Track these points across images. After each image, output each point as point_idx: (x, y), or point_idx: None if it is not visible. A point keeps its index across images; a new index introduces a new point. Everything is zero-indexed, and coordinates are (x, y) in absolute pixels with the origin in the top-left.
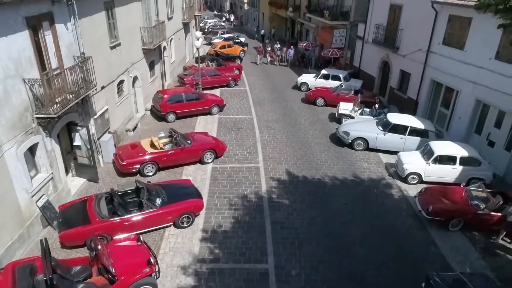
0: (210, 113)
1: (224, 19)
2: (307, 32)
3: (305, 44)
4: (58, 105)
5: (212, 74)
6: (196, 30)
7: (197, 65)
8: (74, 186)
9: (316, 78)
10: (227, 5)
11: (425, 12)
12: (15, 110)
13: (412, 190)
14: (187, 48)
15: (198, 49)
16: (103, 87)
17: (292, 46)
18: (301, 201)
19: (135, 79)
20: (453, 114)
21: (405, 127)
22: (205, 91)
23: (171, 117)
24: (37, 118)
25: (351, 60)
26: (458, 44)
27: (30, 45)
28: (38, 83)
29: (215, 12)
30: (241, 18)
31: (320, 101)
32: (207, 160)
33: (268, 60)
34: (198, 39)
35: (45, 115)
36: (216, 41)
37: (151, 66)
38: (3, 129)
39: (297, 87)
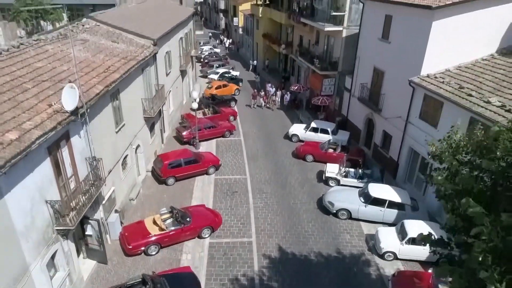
0: (207, 173)
1: (218, 41)
2: (299, 69)
3: (296, 87)
4: (74, 212)
5: (208, 126)
6: (193, 69)
7: (193, 113)
8: (86, 270)
9: (306, 131)
10: (222, 24)
11: (404, 84)
12: (40, 230)
13: (388, 268)
14: (184, 90)
15: (195, 110)
16: (110, 171)
17: (288, 92)
18: (289, 284)
19: (137, 147)
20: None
21: (384, 201)
22: (202, 150)
23: (171, 181)
24: (57, 230)
25: (339, 106)
26: (432, 121)
27: (51, 168)
28: (58, 203)
29: (210, 32)
30: (237, 43)
31: (309, 157)
32: (205, 235)
33: (262, 104)
34: (195, 100)
35: (65, 227)
36: (212, 76)
37: (152, 127)
38: (30, 251)
39: (289, 137)
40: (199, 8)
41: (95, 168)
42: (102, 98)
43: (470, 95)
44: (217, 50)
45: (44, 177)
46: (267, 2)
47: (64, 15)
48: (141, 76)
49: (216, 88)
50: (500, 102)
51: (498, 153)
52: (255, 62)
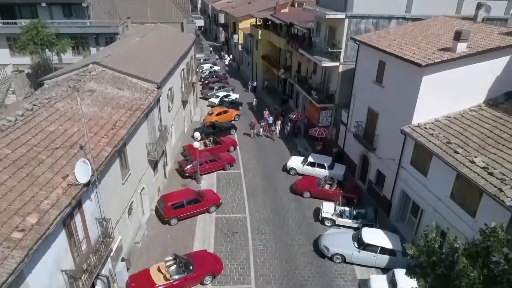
0: (208, 212)
1: (218, 57)
2: (297, 93)
3: (295, 115)
4: (86, 275)
5: (209, 160)
6: (194, 93)
7: (194, 144)
8: None
9: (304, 165)
10: (222, 36)
11: (397, 129)
12: None
13: None
14: (185, 117)
15: (197, 149)
16: (117, 222)
17: (289, 122)
18: None
19: (142, 190)
20: (419, 224)
21: (376, 247)
22: (203, 183)
23: (174, 221)
24: None
25: (336, 136)
26: (423, 170)
27: (65, 239)
28: (73, 273)
29: (211, 47)
30: (238, 62)
31: (307, 194)
32: (206, 282)
33: (261, 133)
34: (196, 139)
35: None
36: (212, 100)
37: (155, 166)
38: None
39: (287, 170)
40: (200, 33)
41: (105, 228)
42: (111, 157)
43: (456, 152)
44: (217, 68)
45: (60, 249)
46: (267, 23)
47: (69, 51)
48: (145, 122)
49: (217, 115)
50: (484, 162)
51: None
52: (254, 83)
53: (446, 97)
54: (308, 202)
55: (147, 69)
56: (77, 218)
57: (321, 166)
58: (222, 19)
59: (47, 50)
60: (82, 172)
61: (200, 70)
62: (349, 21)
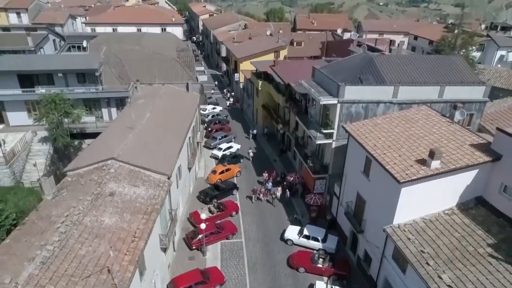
0: None
1: (218, 93)
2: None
3: (292, 178)
4: None
5: (214, 233)
6: (199, 148)
7: (200, 213)
8: None
9: (299, 237)
10: (224, 66)
11: (381, 222)
12: None
13: None
14: (191, 179)
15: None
16: None
17: (287, 190)
18: None
19: (156, 276)
20: None
21: None
22: (208, 255)
23: None
24: None
25: (330, 203)
26: (402, 266)
27: None
28: None
29: (215, 85)
30: (241, 105)
31: (301, 269)
32: None
33: (262, 198)
34: (202, 214)
35: None
36: (215, 152)
37: (165, 250)
38: None
39: (284, 240)
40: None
41: None
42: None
43: (427, 263)
44: (219, 109)
45: None
46: (268, 75)
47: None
48: (158, 217)
49: (220, 173)
50: (450, 279)
51: None
52: (255, 131)
53: (423, 202)
54: (303, 278)
55: (158, 157)
56: None
57: (315, 239)
58: (224, 52)
59: (65, 119)
60: None
61: (204, 112)
62: (341, 105)
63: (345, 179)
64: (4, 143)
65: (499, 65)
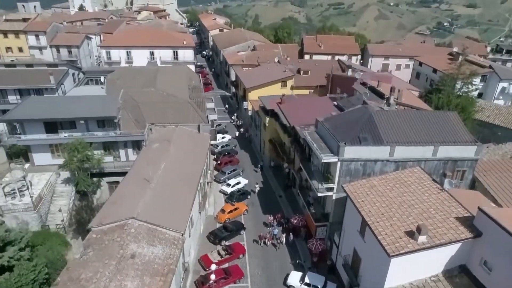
0: None
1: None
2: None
3: (296, 220)
4: None
5: (222, 278)
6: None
7: (210, 257)
8: None
9: (301, 284)
10: (232, 89)
11: (374, 283)
12: None
13: None
14: (201, 219)
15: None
16: None
17: (291, 233)
18: None
19: None
20: None
21: None
22: None
23: None
24: None
25: (330, 249)
26: None
27: None
28: None
29: (221, 96)
30: (250, 136)
31: None
32: None
33: (268, 243)
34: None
35: None
36: (224, 188)
37: None
38: None
39: (287, 286)
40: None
41: None
42: None
43: None
44: (228, 138)
45: None
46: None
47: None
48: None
49: (228, 213)
50: None
51: None
52: (262, 163)
53: (411, 269)
54: None
55: (173, 211)
56: None
57: (315, 287)
58: (233, 76)
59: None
60: None
61: (214, 142)
62: (341, 163)
63: (344, 233)
64: (31, 186)
65: (500, 97)
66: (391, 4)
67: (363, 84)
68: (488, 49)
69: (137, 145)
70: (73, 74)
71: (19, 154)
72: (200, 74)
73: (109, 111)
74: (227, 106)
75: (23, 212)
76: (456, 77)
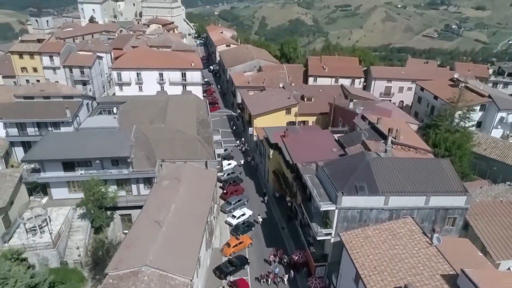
0: None
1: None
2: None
3: (296, 256)
4: None
5: None
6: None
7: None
8: None
9: None
10: (238, 111)
11: None
12: None
13: None
14: (207, 254)
15: None
16: None
17: (291, 270)
18: None
19: None
20: None
21: None
22: None
23: None
24: None
25: (329, 285)
26: None
27: None
28: None
29: (227, 116)
30: (256, 165)
31: None
32: None
33: (270, 282)
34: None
35: None
36: (229, 220)
37: None
38: None
39: None
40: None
41: None
42: None
43: None
44: (234, 164)
45: None
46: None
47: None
48: None
49: (234, 247)
50: None
51: None
52: (265, 190)
53: None
54: None
55: (183, 256)
56: None
57: None
58: (239, 99)
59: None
60: None
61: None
62: (339, 211)
63: (341, 277)
64: (50, 221)
65: (499, 126)
66: (399, 6)
67: (364, 118)
68: (490, 71)
69: (148, 181)
70: (87, 104)
71: (38, 188)
72: (207, 92)
73: (122, 151)
74: (234, 127)
75: (43, 249)
76: (455, 106)
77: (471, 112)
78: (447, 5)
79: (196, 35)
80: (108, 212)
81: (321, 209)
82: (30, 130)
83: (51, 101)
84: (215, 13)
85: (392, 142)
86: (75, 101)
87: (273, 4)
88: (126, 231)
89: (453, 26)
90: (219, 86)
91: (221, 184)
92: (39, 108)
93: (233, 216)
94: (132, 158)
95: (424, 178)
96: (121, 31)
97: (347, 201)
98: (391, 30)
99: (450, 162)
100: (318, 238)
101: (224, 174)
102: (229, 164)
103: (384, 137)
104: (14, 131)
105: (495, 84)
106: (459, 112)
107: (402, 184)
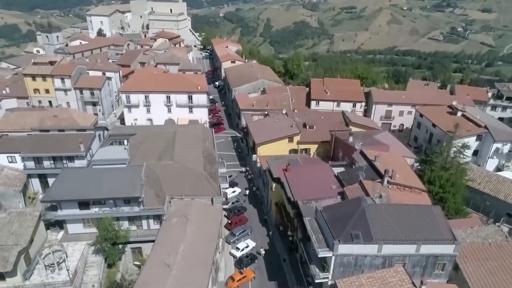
0: None
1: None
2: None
3: None
4: None
5: None
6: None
7: None
8: None
9: None
10: (242, 133)
11: None
12: None
13: None
14: (213, 286)
15: None
16: None
17: None
18: None
19: None
20: None
21: None
22: None
23: None
24: None
25: None
26: None
27: None
28: None
29: (232, 137)
30: (261, 197)
31: None
32: None
33: None
34: None
35: None
36: (233, 252)
37: None
38: None
39: None
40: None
41: None
42: None
43: None
44: (238, 191)
45: None
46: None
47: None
48: None
49: (237, 281)
50: None
51: None
52: (265, 217)
53: None
54: None
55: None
56: None
57: None
58: (244, 122)
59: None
60: None
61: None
62: (335, 257)
63: None
64: (67, 257)
65: (494, 156)
66: (404, 8)
67: (362, 155)
68: (489, 94)
69: (157, 217)
70: (99, 135)
71: (55, 223)
72: (212, 111)
73: (134, 191)
74: (239, 150)
75: (61, 287)
76: (453, 137)
77: (465, 148)
78: (453, 8)
79: (201, 47)
80: (120, 246)
81: (319, 256)
82: (46, 163)
83: (65, 134)
84: (220, 14)
85: (388, 182)
86: (88, 134)
87: (278, 6)
88: (137, 263)
89: (459, 29)
90: (223, 102)
91: (226, 213)
92: (54, 141)
93: (237, 248)
94: (143, 197)
95: (416, 226)
96: (128, 44)
97: (343, 248)
98: (396, 32)
99: (440, 209)
100: (317, 281)
101: (228, 202)
102: (233, 192)
103: (381, 175)
104: (31, 164)
105: (494, 107)
106: (454, 149)
107: (395, 232)
